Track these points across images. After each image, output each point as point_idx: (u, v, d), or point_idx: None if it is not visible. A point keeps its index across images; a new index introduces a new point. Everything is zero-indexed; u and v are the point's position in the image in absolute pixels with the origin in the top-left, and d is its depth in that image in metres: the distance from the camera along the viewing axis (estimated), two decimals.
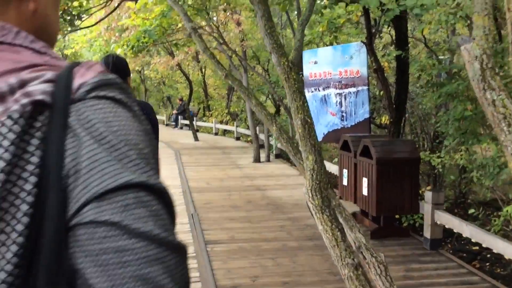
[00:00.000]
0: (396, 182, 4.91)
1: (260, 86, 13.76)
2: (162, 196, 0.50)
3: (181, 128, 20.23)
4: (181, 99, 20.39)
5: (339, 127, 8.53)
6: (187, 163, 10.36)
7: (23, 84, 0.48)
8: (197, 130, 16.34)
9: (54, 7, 0.61)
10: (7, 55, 0.52)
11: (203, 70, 18.74)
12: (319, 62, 9.01)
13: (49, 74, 0.50)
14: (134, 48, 7.71)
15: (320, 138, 8.81)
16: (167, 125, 22.35)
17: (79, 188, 0.46)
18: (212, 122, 18.36)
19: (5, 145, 0.45)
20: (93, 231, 0.45)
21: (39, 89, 0.48)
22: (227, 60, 12.55)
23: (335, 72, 8.54)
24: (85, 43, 12.97)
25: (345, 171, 5.92)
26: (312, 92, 9.30)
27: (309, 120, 2.10)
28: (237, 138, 15.44)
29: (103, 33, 11.28)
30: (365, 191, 5.21)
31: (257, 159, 10.45)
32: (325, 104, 8.95)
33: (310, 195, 2.39)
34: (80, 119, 0.48)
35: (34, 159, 0.46)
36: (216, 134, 17.27)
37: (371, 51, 6.04)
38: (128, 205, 0.46)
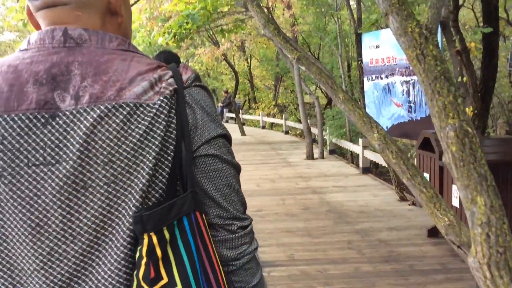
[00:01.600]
0: (505, 191, 3.89)
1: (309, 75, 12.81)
2: (230, 140, 0.92)
3: (227, 121, 19.56)
4: (226, 91, 19.69)
5: (406, 120, 7.47)
6: None
7: (161, 78, 0.83)
8: (243, 124, 15.59)
9: (129, 20, 0.95)
10: (137, 57, 0.86)
11: (249, 60, 17.93)
12: (382, 46, 7.95)
13: (170, 72, 0.85)
14: (176, 36, 6.97)
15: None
16: None
17: (197, 136, 0.85)
18: (258, 115, 17.57)
19: (165, 111, 0.81)
20: (205, 159, 0.86)
21: (172, 81, 0.84)
22: (276, 48, 11.70)
23: (401, 56, 7.46)
24: None
25: (425, 176, 4.91)
26: (373, 80, 8.26)
27: (470, 131, 1.18)
28: (286, 132, 14.56)
29: (145, 22, 10.65)
30: (455, 202, 4.21)
31: (310, 156, 9.54)
32: (388, 94, 7.90)
33: (488, 275, 1.27)
34: (191, 98, 0.87)
35: (174, 120, 0.82)
36: (263, 127, 16.45)
37: (455, 28, 4.98)
38: (220, 146, 0.88)
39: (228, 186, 0.87)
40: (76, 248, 0.78)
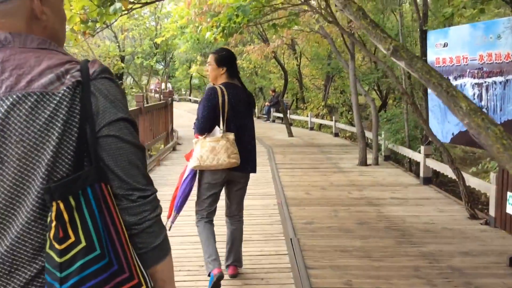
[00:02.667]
0: None
1: (365, 75, 12.00)
2: (133, 124, 1.07)
3: (273, 121, 19.05)
4: (274, 90, 19.16)
5: None
6: (281, 165, 9.04)
7: (67, 71, 0.99)
8: (291, 124, 15.01)
9: (60, 25, 1.14)
10: (53, 54, 1.04)
11: (299, 59, 17.33)
12: (451, 45, 7.17)
13: (78, 66, 1.02)
14: (225, 31, 6.52)
15: (447, 139, 7.03)
16: (258, 117, 21.28)
17: (99, 119, 1.01)
18: (306, 116, 16.93)
19: (67, 99, 0.97)
20: (106, 139, 1.01)
21: (77, 74, 1.00)
22: (329, 45, 11.05)
23: (473, 56, 6.68)
24: (176, 31, 12.15)
25: (510, 195, 4.19)
26: None
27: None
28: (336, 134, 13.86)
29: (194, 17, 10.30)
30: None
31: (363, 162, 8.85)
32: None
33: None
34: (95, 88, 1.02)
35: (78, 106, 0.98)
36: (311, 128, 15.81)
37: None
38: (121, 127, 1.04)
39: (127, 162, 1.04)
40: None
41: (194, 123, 3.43)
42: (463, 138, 7.00)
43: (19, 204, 0.97)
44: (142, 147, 1.09)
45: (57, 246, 0.93)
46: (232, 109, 3.36)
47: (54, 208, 0.94)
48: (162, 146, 11.39)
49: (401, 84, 6.71)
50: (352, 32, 8.43)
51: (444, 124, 7.30)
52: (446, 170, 6.59)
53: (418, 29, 8.09)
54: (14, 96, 0.95)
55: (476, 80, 6.62)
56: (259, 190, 6.94)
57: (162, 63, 23.42)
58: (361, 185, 7.23)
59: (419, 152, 7.66)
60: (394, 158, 9.71)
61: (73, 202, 0.95)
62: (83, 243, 0.94)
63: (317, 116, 16.76)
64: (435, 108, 7.53)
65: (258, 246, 4.54)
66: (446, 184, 8.78)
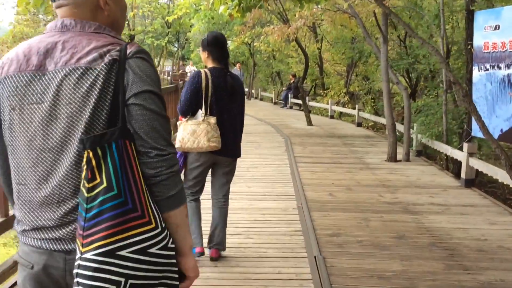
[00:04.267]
0: None
1: (395, 61, 10.96)
2: (159, 95, 1.28)
3: (291, 107, 18.10)
4: (294, 75, 18.15)
5: None
6: (300, 158, 8.16)
7: (109, 51, 1.25)
8: (310, 112, 14.07)
9: (119, 11, 1.41)
10: (103, 37, 1.30)
11: (320, 42, 16.30)
12: (504, 27, 6.16)
13: (118, 47, 1.27)
14: (241, 4, 5.64)
15: (494, 136, 6.04)
16: (275, 103, 20.34)
17: (128, 90, 1.24)
18: (326, 103, 15.97)
19: (103, 73, 1.23)
20: (133, 107, 1.24)
21: (115, 54, 1.25)
22: (356, 27, 10.07)
23: None
24: (189, 8, 11.24)
25: None
26: (487, 70, 6.49)
27: None
28: (358, 124, 12.90)
29: None
30: None
31: (393, 157, 7.92)
32: (508, 88, 6.13)
33: None
34: (129, 65, 1.25)
35: (113, 79, 1.24)
36: (331, 117, 14.86)
37: None
38: (146, 98, 1.25)
39: (149, 126, 1.25)
40: (50, 155, 1.27)
41: (177, 106, 3.51)
42: None
43: (66, 151, 1.26)
44: (164, 115, 1.30)
45: (86, 184, 1.21)
46: (215, 93, 3.40)
47: (85, 155, 1.21)
48: (172, 134, 10.58)
49: (450, 71, 5.73)
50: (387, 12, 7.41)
51: (491, 118, 6.34)
52: (496, 173, 5.65)
53: (464, 9, 7.06)
54: (67, 69, 1.26)
55: None
56: (276, 189, 6.09)
57: (176, 44, 22.52)
58: (393, 186, 6.33)
59: (461, 149, 6.71)
60: (426, 154, 8.75)
61: (99, 152, 1.21)
62: (104, 184, 1.20)
63: (337, 103, 15.79)
64: (481, 100, 6.55)
65: (275, 266, 3.71)
66: (485, 185, 7.82)
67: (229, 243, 3.91)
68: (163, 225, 1.27)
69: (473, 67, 6.73)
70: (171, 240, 1.29)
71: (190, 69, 25.54)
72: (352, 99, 16.32)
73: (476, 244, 4.25)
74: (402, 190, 6.12)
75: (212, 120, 3.36)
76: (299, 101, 16.63)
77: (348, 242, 4.28)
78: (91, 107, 1.23)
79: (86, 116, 1.23)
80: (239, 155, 3.65)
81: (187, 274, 1.35)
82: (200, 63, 30.77)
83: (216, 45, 3.43)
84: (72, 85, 1.24)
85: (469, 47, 6.57)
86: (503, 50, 6.10)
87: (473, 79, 6.65)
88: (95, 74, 1.23)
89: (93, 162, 1.20)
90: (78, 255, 1.20)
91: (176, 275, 1.30)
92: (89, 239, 1.18)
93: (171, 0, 16.14)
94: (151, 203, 1.25)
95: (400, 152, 8.11)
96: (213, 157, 3.50)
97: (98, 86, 1.23)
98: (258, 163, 7.61)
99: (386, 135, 10.73)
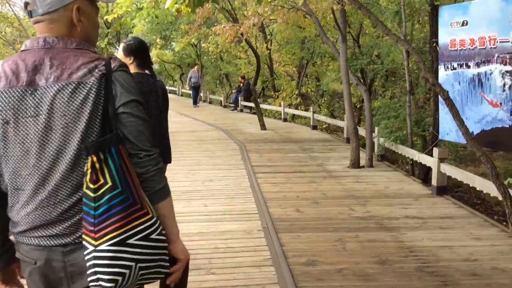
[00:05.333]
0: None
1: (351, 61, 10.54)
2: (142, 103, 1.46)
3: (241, 110, 17.47)
4: (243, 77, 17.51)
5: (507, 125, 5.39)
6: (258, 167, 7.54)
7: (96, 66, 1.40)
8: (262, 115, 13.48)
9: (93, 29, 1.54)
10: (86, 53, 1.44)
11: (270, 43, 15.77)
12: (472, 23, 5.83)
13: (104, 62, 1.42)
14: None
15: (464, 140, 5.68)
16: (225, 106, 19.64)
17: (117, 100, 1.41)
18: (278, 105, 15.49)
19: (95, 87, 1.38)
20: (122, 115, 1.42)
21: (103, 68, 1.40)
22: (314, 25, 9.55)
23: (505, 37, 5.35)
24: (130, 7, 10.32)
25: None
26: (454, 69, 6.14)
27: None
28: (314, 127, 12.47)
29: None
30: None
31: (355, 164, 7.47)
32: (479, 88, 5.80)
33: None
34: (115, 78, 1.42)
35: (103, 91, 1.39)
36: (285, 120, 14.37)
37: None
38: (133, 106, 1.43)
39: (137, 131, 1.43)
40: (46, 162, 1.41)
41: None
42: (485, 138, 5.71)
43: (62, 157, 1.40)
44: (147, 120, 1.47)
45: (91, 186, 1.36)
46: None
47: (89, 160, 1.36)
48: None
49: (430, 73, 5.30)
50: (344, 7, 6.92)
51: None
52: (474, 181, 5.27)
53: (428, 5, 6.69)
54: (60, 84, 1.39)
55: (508, 68, 5.31)
56: (236, 206, 5.43)
57: (117, 46, 21.29)
58: (362, 197, 5.84)
59: (429, 154, 6.33)
60: (387, 158, 8.38)
61: (102, 156, 1.37)
62: (110, 183, 1.37)
63: (290, 105, 15.33)
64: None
65: None
66: (451, 190, 7.52)
67: (188, 281, 3.20)
68: (155, 213, 1.46)
69: (439, 66, 6.38)
70: (162, 227, 1.48)
71: None
72: (305, 100, 15.92)
73: (467, 267, 3.78)
74: (373, 202, 5.64)
75: None
76: (250, 104, 16.04)
77: (327, 272, 3.69)
78: (86, 117, 1.38)
79: (82, 126, 1.38)
80: (169, 161, 3.58)
81: (178, 257, 1.54)
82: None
83: (143, 51, 3.40)
84: (66, 98, 1.38)
85: (433, 45, 6.20)
86: (472, 48, 5.76)
87: (439, 79, 6.29)
88: (87, 88, 1.38)
89: (97, 165, 1.36)
90: (91, 248, 1.36)
91: (167, 257, 1.49)
92: (102, 232, 1.36)
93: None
94: (145, 197, 1.44)
95: (362, 157, 7.68)
96: None
97: (91, 98, 1.38)
98: (213, 176, 6.91)
99: (344, 138, 10.37)
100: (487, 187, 4.91)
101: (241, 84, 17.46)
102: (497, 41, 5.40)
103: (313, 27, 12.24)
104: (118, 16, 10.67)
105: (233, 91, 18.78)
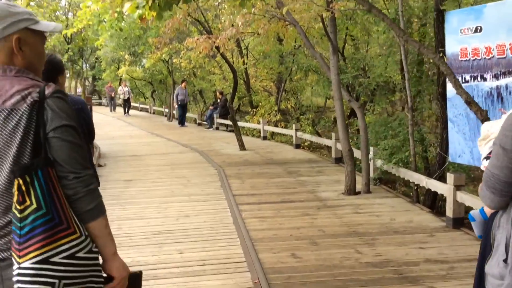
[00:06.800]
0: None
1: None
2: (74, 127, 1.52)
3: (217, 128, 16.50)
4: (221, 93, 16.52)
5: None
6: (241, 197, 6.57)
7: (30, 93, 1.48)
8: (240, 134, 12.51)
9: (36, 57, 1.63)
10: (23, 80, 1.52)
11: (246, 57, 14.93)
12: (488, 29, 5.04)
13: (38, 89, 1.50)
14: (156, 1, 4.00)
15: (479, 163, 4.82)
16: (199, 124, 18.62)
17: (48, 126, 1.48)
18: (257, 122, 14.60)
19: (27, 113, 1.46)
20: (52, 139, 1.49)
21: (36, 95, 1.48)
22: (299, 35, 8.71)
23: None
24: (91, 20, 9.32)
25: None
26: (467, 82, 5.33)
27: None
28: (297, 146, 11.59)
29: None
30: None
31: (351, 190, 6.59)
32: (498, 104, 4.99)
33: None
34: (48, 105, 1.49)
35: (35, 117, 1.47)
36: (264, 138, 13.46)
37: None
38: (63, 131, 1.50)
39: (66, 154, 1.50)
40: None
41: None
42: None
43: None
44: (79, 143, 1.54)
45: (18, 207, 1.43)
46: None
47: (16, 183, 1.44)
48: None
49: (461, 88, 4.47)
50: (334, 13, 6.08)
51: (475, 141, 5.15)
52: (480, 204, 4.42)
53: (433, 10, 5.91)
54: None
55: None
56: (218, 252, 4.44)
57: (83, 64, 20.07)
58: (367, 234, 4.93)
59: (438, 179, 5.48)
60: (390, 180, 7.53)
61: (28, 179, 1.44)
62: (34, 205, 1.44)
63: (269, 122, 14.46)
64: (460, 119, 5.39)
65: None
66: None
67: None
68: (86, 233, 1.54)
69: (447, 79, 5.57)
70: (94, 245, 1.56)
71: (123, 90, 23.00)
72: (284, 116, 15.08)
73: None
74: (382, 240, 4.73)
75: None
76: (226, 121, 15.10)
77: None
78: (17, 142, 1.47)
79: (14, 150, 1.47)
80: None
81: (112, 275, 1.61)
82: (113, 83, 28.28)
83: (52, 70, 3.17)
84: (0, 124, 1.47)
85: (440, 55, 5.42)
86: (489, 57, 4.97)
87: (448, 94, 5.49)
88: (19, 114, 1.47)
89: (23, 187, 1.44)
90: (16, 265, 1.45)
91: (101, 273, 1.58)
92: (25, 251, 1.44)
93: (72, 12, 13.95)
94: (74, 216, 1.52)
95: (358, 181, 6.81)
96: None
97: (23, 124, 1.47)
98: (189, 210, 5.90)
99: (332, 158, 9.49)
100: None
101: (219, 100, 16.50)
102: None
103: (292, 40, 11.44)
104: (78, 31, 9.63)
105: (210, 107, 17.80)
